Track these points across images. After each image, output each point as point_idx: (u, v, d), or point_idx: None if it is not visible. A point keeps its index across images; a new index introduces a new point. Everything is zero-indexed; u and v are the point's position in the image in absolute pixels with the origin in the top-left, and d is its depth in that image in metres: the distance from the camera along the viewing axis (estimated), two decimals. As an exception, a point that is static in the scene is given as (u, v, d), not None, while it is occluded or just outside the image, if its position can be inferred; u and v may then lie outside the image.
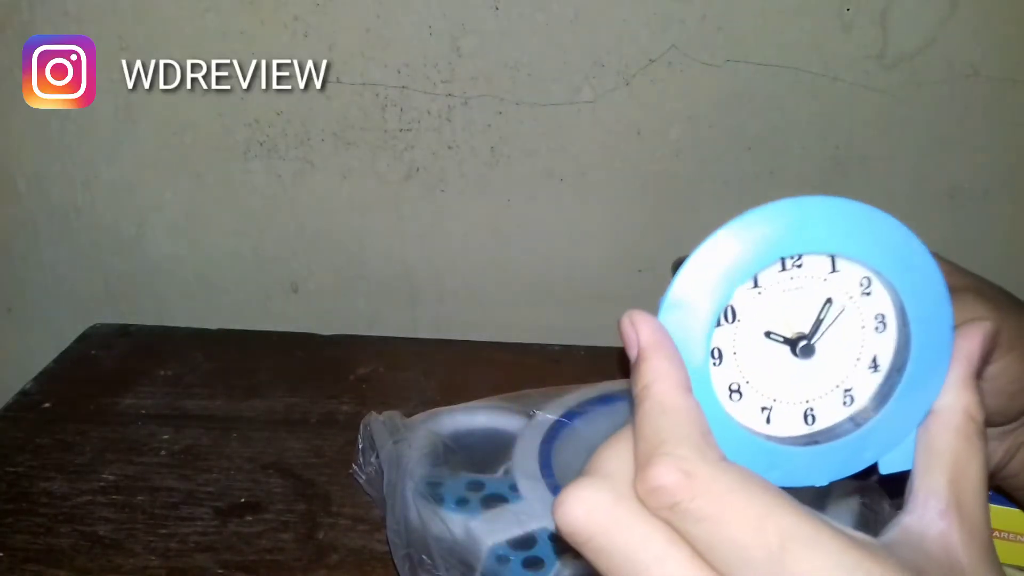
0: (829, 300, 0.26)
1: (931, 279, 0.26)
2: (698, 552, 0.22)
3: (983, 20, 0.68)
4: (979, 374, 0.26)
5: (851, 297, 0.26)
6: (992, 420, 0.34)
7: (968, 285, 0.34)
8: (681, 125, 0.74)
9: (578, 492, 0.23)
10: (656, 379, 0.24)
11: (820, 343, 0.26)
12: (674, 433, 0.23)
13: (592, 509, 0.23)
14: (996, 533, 0.48)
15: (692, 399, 0.24)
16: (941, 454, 0.25)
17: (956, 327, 0.26)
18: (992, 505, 0.49)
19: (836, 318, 0.26)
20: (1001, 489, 0.41)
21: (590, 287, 0.81)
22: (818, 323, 0.26)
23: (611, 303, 0.80)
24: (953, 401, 0.26)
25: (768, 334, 0.26)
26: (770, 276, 0.26)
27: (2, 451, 0.61)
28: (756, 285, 0.26)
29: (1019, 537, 0.48)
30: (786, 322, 0.26)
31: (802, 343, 0.26)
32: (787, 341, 0.26)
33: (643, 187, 0.76)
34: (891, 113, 0.72)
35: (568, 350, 0.73)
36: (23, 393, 0.68)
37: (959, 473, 0.25)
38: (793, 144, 0.74)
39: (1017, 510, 0.47)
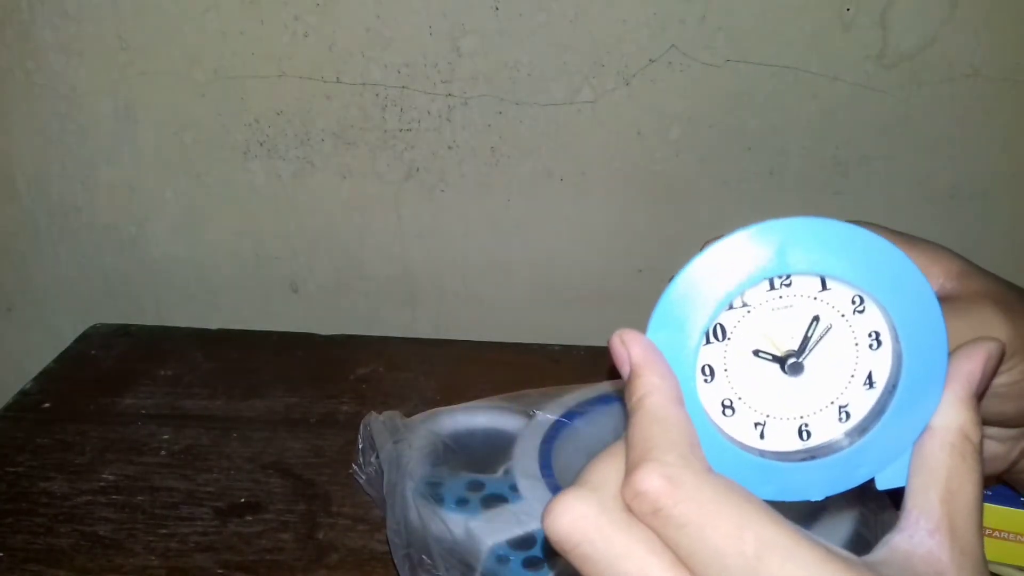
0: (816, 318, 0.26)
1: (922, 299, 0.26)
2: (679, 558, 0.23)
3: (983, 20, 0.68)
4: (980, 394, 0.26)
5: (843, 315, 0.26)
6: (1010, 423, 0.34)
7: (983, 290, 0.33)
8: (681, 125, 0.74)
9: (566, 501, 0.24)
10: (648, 392, 0.25)
11: (810, 360, 0.26)
12: (662, 441, 0.24)
13: (578, 518, 0.24)
14: (996, 533, 0.48)
15: (683, 411, 0.25)
16: (934, 472, 0.25)
17: (964, 343, 0.26)
18: (992, 505, 0.49)
19: (824, 336, 0.26)
20: (1011, 485, 0.41)
21: (590, 287, 0.81)
22: (806, 341, 0.26)
23: (611, 303, 0.80)
24: (949, 420, 0.26)
25: (757, 352, 0.26)
26: (758, 295, 0.26)
27: (2, 451, 0.61)
28: (745, 304, 0.26)
29: (1019, 537, 0.48)
30: (775, 340, 0.26)
31: (791, 361, 0.26)
32: (776, 359, 0.26)
33: (643, 187, 0.76)
34: (891, 113, 0.72)
35: (568, 350, 0.73)
36: (23, 393, 0.68)
37: (952, 492, 0.25)
38: (793, 144, 0.74)
39: (1017, 510, 0.47)
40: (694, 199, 0.76)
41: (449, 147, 0.76)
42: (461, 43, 0.72)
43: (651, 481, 0.23)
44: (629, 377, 0.26)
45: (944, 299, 0.32)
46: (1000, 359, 0.27)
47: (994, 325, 0.31)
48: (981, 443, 0.26)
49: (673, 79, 0.72)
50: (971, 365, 0.26)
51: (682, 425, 0.25)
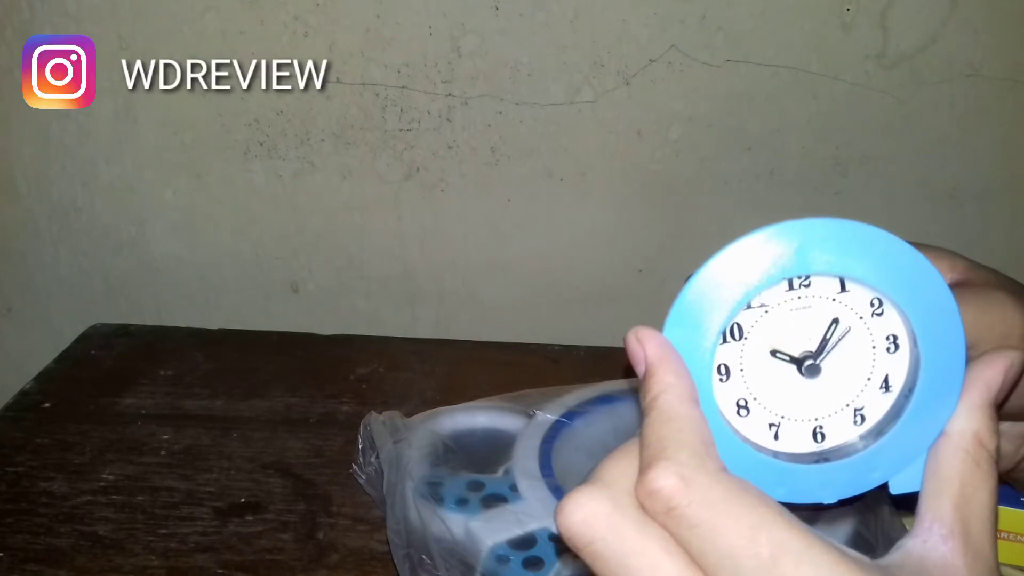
0: (836, 320, 0.26)
1: (941, 303, 0.25)
2: (692, 558, 0.23)
3: (983, 20, 0.68)
4: (999, 403, 0.26)
5: (861, 317, 0.26)
6: (1021, 416, 0.34)
7: (992, 281, 0.33)
8: (681, 125, 0.74)
9: (579, 498, 0.24)
10: (663, 391, 0.25)
11: (827, 362, 0.26)
12: (676, 440, 0.24)
13: (591, 515, 0.24)
14: (997, 533, 0.48)
15: (697, 410, 0.25)
16: (948, 478, 0.25)
17: (985, 352, 0.26)
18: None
19: (843, 338, 0.26)
20: (1015, 484, 0.41)
21: (590, 287, 0.81)
22: (824, 343, 0.26)
23: (611, 303, 0.80)
24: (964, 425, 0.26)
25: (774, 353, 0.26)
26: (777, 295, 0.26)
27: (2, 451, 0.61)
28: (762, 304, 0.26)
29: (1019, 537, 0.48)
30: (792, 341, 0.26)
31: (808, 362, 0.26)
32: (793, 360, 0.26)
33: (643, 187, 0.76)
34: (891, 113, 0.72)
35: (568, 350, 0.73)
36: (23, 393, 0.68)
37: (966, 498, 0.25)
38: (793, 144, 0.74)
39: (1017, 510, 0.47)
40: (694, 199, 0.76)
41: (449, 147, 0.76)
42: (461, 43, 0.72)
43: (665, 480, 0.23)
44: (644, 375, 0.26)
45: (955, 286, 0.32)
46: (1022, 369, 0.26)
47: (1007, 308, 0.31)
48: (997, 450, 0.26)
49: (673, 79, 0.72)
50: (990, 372, 0.26)
51: (696, 424, 0.24)
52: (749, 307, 0.26)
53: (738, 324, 0.26)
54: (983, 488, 0.25)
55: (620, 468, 0.25)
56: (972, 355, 0.28)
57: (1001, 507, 0.47)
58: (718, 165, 0.75)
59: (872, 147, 0.73)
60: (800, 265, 0.25)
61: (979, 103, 0.71)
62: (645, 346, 0.25)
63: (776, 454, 0.27)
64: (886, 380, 0.26)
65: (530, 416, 0.55)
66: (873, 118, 0.72)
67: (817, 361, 0.26)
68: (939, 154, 0.73)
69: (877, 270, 0.25)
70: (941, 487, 0.25)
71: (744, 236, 0.25)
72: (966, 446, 0.25)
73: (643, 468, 0.24)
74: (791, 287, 0.26)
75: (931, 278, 0.25)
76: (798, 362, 0.26)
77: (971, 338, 0.27)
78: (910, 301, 0.25)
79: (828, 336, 0.26)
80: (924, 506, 0.25)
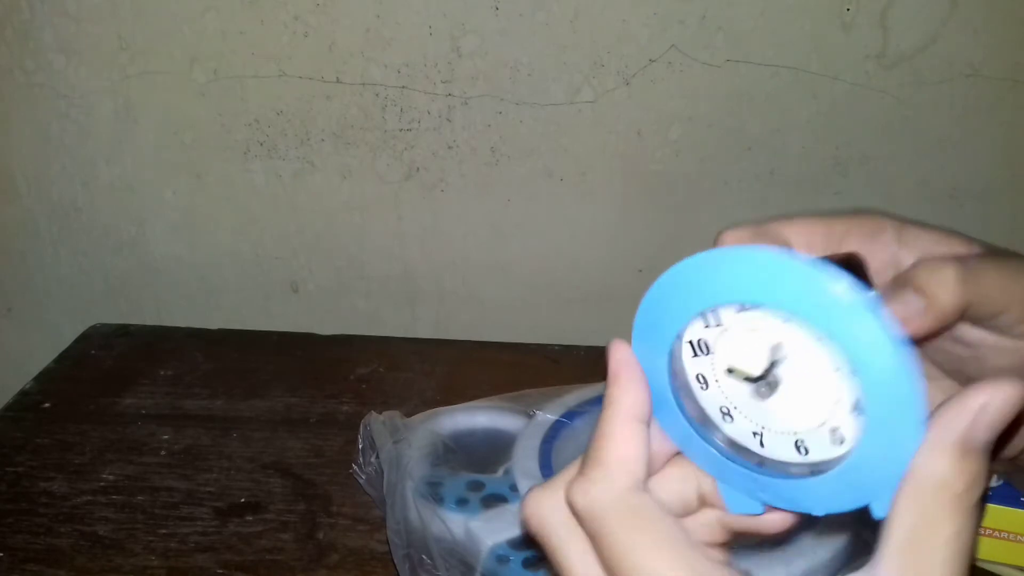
0: (778, 345, 0.25)
1: (874, 333, 0.23)
2: (603, 561, 0.26)
3: (983, 20, 0.68)
4: (982, 442, 0.23)
5: (819, 339, 0.24)
6: None
7: (1018, 255, 0.30)
8: (681, 125, 0.74)
9: (534, 495, 0.28)
10: (608, 404, 0.27)
11: (786, 383, 0.25)
12: (598, 456, 0.26)
13: (538, 512, 0.27)
14: (996, 533, 0.48)
15: (631, 426, 0.27)
16: (900, 517, 0.23)
17: (963, 391, 0.23)
18: (992, 505, 0.49)
19: (785, 361, 0.25)
20: (1017, 475, 0.41)
21: (590, 287, 0.81)
22: (772, 365, 0.25)
23: (611, 303, 0.80)
24: (924, 463, 0.23)
25: (731, 371, 0.26)
26: (730, 316, 0.26)
27: (2, 451, 0.61)
28: (719, 323, 0.26)
29: (1019, 537, 0.48)
30: (746, 361, 0.26)
31: (758, 383, 0.26)
32: (746, 379, 0.26)
33: (643, 187, 0.76)
34: (891, 113, 0.72)
35: (568, 350, 0.73)
36: (23, 393, 0.68)
37: (918, 541, 0.22)
38: (793, 144, 0.74)
39: (1017, 510, 0.47)
40: (694, 199, 0.76)
41: (449, 147, 0.76)
42: (461, 43, 0.72)
43: (574, 495, 0.26)
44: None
45: (980, 256, 0.29)
46: (1010, 408, 0.23)
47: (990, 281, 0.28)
48: (972, 490, 0.22)
49: (673, 79, 0.72)
50: (954, 417, 0.23)
51: (623, 440, 0.26)
52: (707, 326, 0.26)
53: (704, 340, 0.26)
54: (941, 532, 0.22)
55: (572, 472, 0.27)
56: (1000, 323, 0.27)
57: (1001, 507, 0.47)
58: (718, 165, 0.75)
59: (872, 147, 0.73)
60: (718, 296, 0.25)
61: (979, 103, 0.71)
62: (608, 358, 0.27)
63: (763, 460, 0.27)
64: (858, 403, 0.24)
65: (530, 416, 0.55)
66: (873, 118, 0.72)
67: (766, 382, 0.26)
68: (939, 154, 0.73)
69: (792, 303, 0.24)
70: (892, 524, 0.23)
71: (684, 261, 0.26)
72: (925, 487, 0.22)
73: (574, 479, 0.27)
74: (743, 308, 0.25)
75: (862, 313, 0.23)
76: (751, 381, 0.26)
77: (997, 307, 0.26)
78: (832, 333, 0.24)
79: (773, 359, 0.25)
80: (881, 541, 0.23)
